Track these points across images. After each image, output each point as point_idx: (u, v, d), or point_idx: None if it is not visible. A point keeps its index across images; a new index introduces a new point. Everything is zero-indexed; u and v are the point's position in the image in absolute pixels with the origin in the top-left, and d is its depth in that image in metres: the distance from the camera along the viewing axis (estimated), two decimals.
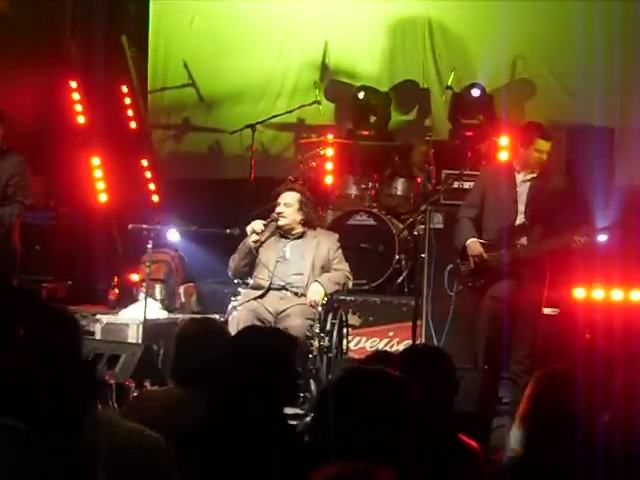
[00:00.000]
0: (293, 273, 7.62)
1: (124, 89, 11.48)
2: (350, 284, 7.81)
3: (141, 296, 8.76)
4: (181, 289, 9.70)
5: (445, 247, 8.20)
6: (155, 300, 9.10)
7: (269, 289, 7.55)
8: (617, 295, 8.10)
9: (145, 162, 11.27)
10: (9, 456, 2.63)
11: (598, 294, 8.13)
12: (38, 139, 8.34)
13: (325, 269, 7.68)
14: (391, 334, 8.87)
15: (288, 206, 7.70)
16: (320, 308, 7.44)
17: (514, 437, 3.64)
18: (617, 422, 3.56)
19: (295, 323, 7.16)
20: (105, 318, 8.53)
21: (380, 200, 9.75)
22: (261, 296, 7.51)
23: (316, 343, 7.37)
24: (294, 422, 5.16)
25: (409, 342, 8.16)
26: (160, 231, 8.54)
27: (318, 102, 10.36)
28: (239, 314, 7.32)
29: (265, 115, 10.36)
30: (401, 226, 9.47)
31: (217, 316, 7.70)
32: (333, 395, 3.08)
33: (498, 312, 7.45)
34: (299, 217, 7.73)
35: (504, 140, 8.88)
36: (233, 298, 7.69)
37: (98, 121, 10.80)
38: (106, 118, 10.82)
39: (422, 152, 9.86)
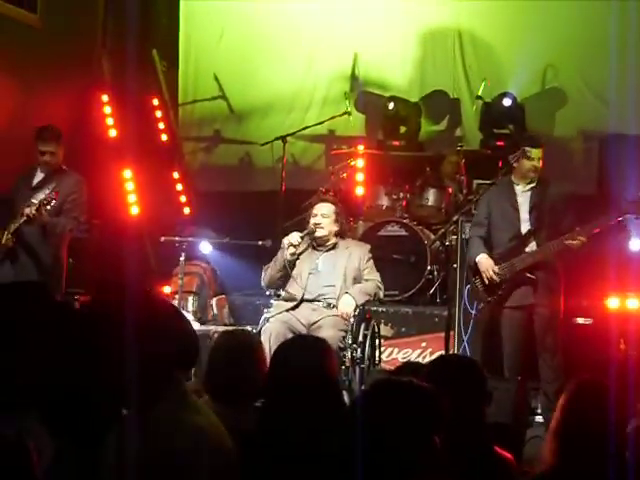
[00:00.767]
0: (325, 285, 7.61)
1: (155, 102, 11.54)
2: (381, 294, 7.78)
3: None
4: (213, 301, 9.72)
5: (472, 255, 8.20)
6: (187, 312, 9.12)
7: (301, 301, 7.54)
8: None
9: (176, 174, 11.32)
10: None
11: (632, 304, 8.08)
12: (70, 152, 8.38)
13: (357, 280, 7.67)
14: (423, 345, 8.84)
15: (325, 217, 7.70)
16: (352, 319, 7.43)
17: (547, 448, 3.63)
18: None
19: (327, 334, 7.09)
20: None
21: (411, 211, 9.73)
22: (293, 308, 7.50)
23: (348, 354, 7.34)
24: None
25: (442, 353, 8.12)
26: (192, 243, 8.57)
27: (348, 113, 10.36)
28: (272, 326, 7.30)
29: (295, 127, 10.36)
30: (432, 237, 9.43)
31: (249, 328, 7.71)
32: (364, 407, 3.08)
33: (518, 322, 7.51)
34: (335, 228, 7.74)
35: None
36: (265, 310, 7.68)
37: (129, 134, 10.85)
38: (137, 131, 10.85)
39: (453, 162, 9.83)
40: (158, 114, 11.53)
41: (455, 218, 8.06)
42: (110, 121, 10.93)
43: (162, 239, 8.58)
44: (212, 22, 11.51)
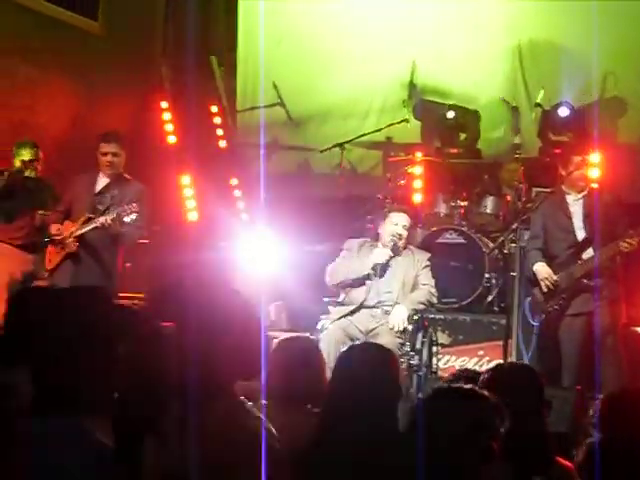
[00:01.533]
0: (385, 291, 7.61)
1: (214, 109, 11.62)
2: (434, 300, 7.75)
3: None
4: (272, 307, 9.74)
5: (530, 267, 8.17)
6: None
7: (360, 307, 7.54)
8: None
9: (234, 181, 11.37)
10: None
11: None
12: (129, 158, 8.47)
13: (415, 287, 7.67)
14: (481, 353, 8.79)
15: (405, 228, 7.71)
16: (410, 327, 7.41)
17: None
18: None
19: (385, 341, 7.09)
20: None
21: (469, 218, 9.69)
22: (352, 312, 7.50)
23: (406, 362, 7.33)
24: None
25: (500, 361, 8.07)
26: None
27: (406, 120, 10.34)
28: (330, 332, 7.32)
29: (353, 134, 10.35)
30: (491, 244, 9.38)
31: (307, 334, 7.73)
32: (424, 414, 3.09)
33: (579, 329, 7.50)
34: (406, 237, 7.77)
35: (595, 157, 8.79)
36: (324, 316, 7.69)
37: (188, 140, 10.94)
38: (196, 137, 10.94)
39: (512, 170, 9.79)
40: (217, 120, 11.61)
41: (514, 226, 8.03)
42: (169, 127, 11.03)
43: (221, 245, 8.61)
44: (271, 29, 11.55)
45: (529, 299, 7.92)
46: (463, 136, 10.58)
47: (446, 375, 8.02)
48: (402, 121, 10.31)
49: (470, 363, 8.75)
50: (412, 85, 11.04)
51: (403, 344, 7.34)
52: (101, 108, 9.93)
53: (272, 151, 11.63)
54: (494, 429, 3.09)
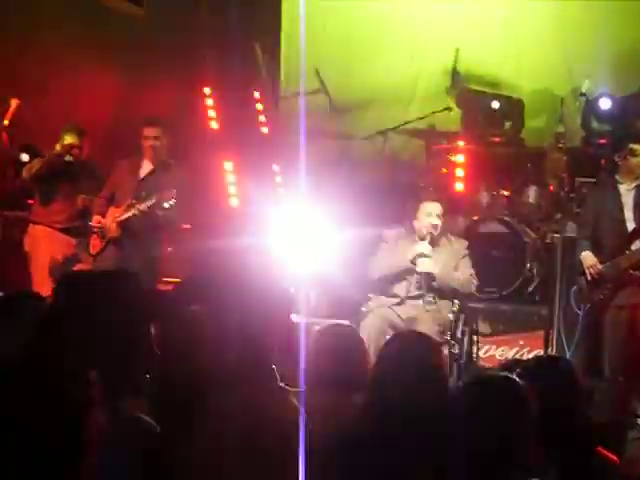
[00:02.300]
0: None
1: (256, 95, 11.63)
2: (473, 288, 7.69)
3: None
4: (312, 293, 9.75)
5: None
6: None
7: (403, 300, 7.51)
8: None
9: (276, 167, 11.39)
10: None
11: None
12: (172, 144, 8.52)
13: None
14: (521, 343, 8.76)
15: (439, 217, 7.63)
16: (451, 316, 7.40)
17: None
18: None
19: (425, 329, 7.08)
20: None
21: (512, 208, 9.65)
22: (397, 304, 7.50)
23: (446, 350, 7.31)
24: None
25: (540, 352, 8.07)
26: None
27: (449, 109, 10.31)
28: (371, 321, 7.32)
29: (396, 121, 10.33)
30: (533, 234, 9.35)
31: (347, 322, 7.74)
32: (459, 400, 3.15)
33: (624, 321, 7.41)
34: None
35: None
36: (364, 304, 7.69)
37: (231, 126, 10.97)
38: (239, 123, 10.98)
39: (555, 159, 9.72)
40: (259, 107, 11.62)
41: (557, 216, 8.00)
42: (212, 113, 11.06)
43: (262, 230, 8.64)
44: (314, 15, 11.53)
45: (575, 287, 7.88)
46: (507, 125, 10.53)
47: (486, 364, 8.05)
48: (445, 109, 10.28)
49: (510, 353, 8.74)
50: (455, 73, 10.98)
51: (443, 332, 7.32)
52: (145, 93, 9.98)
53: (314, 138, 11.63)
54: (522, 414, 3.14)
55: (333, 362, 4.42)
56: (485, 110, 10.54)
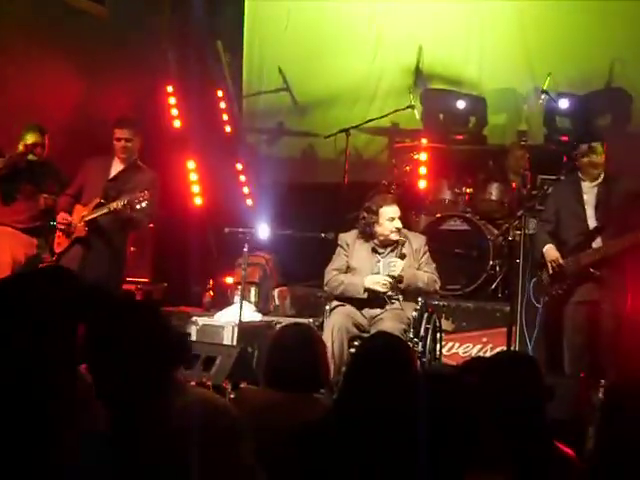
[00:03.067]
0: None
1: (219, 93, 11.62)
2: (437, 286, 7.68)
3: (236, 299, 8.85)
4: (275, 292, 9.74)
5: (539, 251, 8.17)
6: (249, 302, 9.17)
7: (365, 300, 7.48)
8: None
9: (239, 166, 11.38)
10: None
11: None
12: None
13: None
14: (484, 340, 8.81)
15: (399, 218, 7.51)
16: (415, 314, 7.39)
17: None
18: None
19: (389, 327, 7.09)
20: (201, 320, 8.62)
21: (474, 205, 9.69)
22: (357, 301, 7.46)
23: None
24: None
25: (503, 348, 8.09)
26: (255, 234, 8.61)
27: (412, 107, 10.30)
28: (334, 318, 7.30)
29: (359, 119, 10.29)
30: (495, 231, 9.39)
31: (311, 320, 7.73)
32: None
33: (582, 316, 7.51)
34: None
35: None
36: (328, 303, 7.66)
37: (193, 125, 10.94)
38: (201, 122, 10.95)
39: (517, 157, 9.76)
40: (222, 105, 11.61)
41: (519, 213, 8.02)
42: (175, 112, 11.03)
43: (226, 230, 8.60)
44: (277, 13, 11.54)
45: (534, 280, 7.92)
46: (470, 123, 10.56)
47: (450, 362, 8.06)
48: (408, 107, 10.27)
49: (474, 350, 8.78)
50: (418, 71, 11.02)
51: (407, 330, 7.31)
52: (107, 92, 9.91)
53: (277, 136, 11.63)
54: (478, 414, 3.17)
55: (288, 359, 4.41)
56: (448, 108, 10.57)
